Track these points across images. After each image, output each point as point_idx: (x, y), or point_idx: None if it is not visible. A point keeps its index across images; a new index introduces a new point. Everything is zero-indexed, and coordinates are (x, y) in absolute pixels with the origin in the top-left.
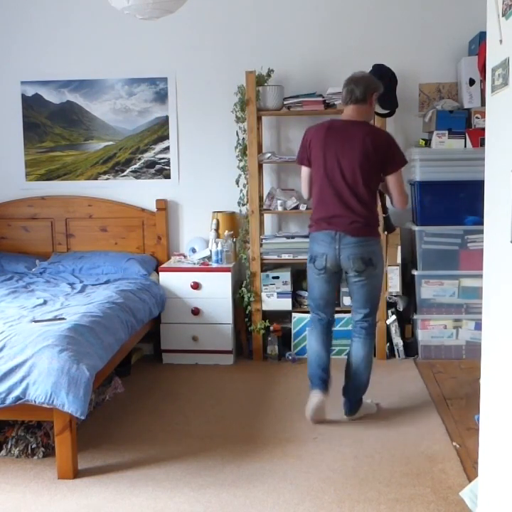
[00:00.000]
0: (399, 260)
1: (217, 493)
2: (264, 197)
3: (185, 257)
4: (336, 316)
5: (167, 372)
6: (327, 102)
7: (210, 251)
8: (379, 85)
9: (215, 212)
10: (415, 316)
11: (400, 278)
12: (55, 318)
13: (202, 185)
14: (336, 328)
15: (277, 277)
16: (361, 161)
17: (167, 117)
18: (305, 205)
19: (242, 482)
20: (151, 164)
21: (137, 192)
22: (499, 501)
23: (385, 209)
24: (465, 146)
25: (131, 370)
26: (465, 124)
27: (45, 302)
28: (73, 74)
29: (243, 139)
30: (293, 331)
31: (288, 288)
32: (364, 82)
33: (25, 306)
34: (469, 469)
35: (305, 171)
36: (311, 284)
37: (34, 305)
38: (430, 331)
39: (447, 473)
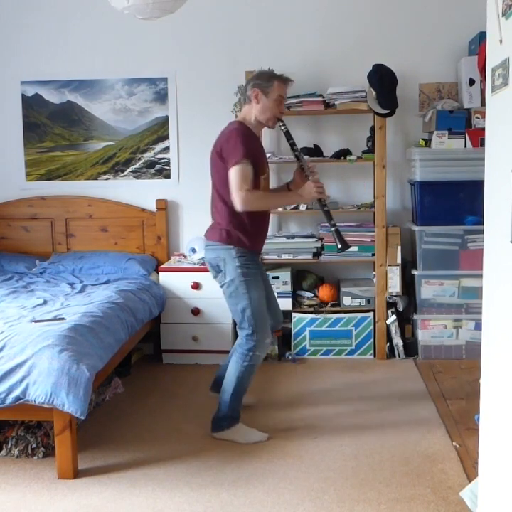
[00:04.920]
0: (399, 260)
1: (217, 493)
2: None
3: (185, 257)
4: (336, 315)
5: (167, 372)
6: (327, 102)
7: None
8: (263, 81)
9: None
10: (415, 316)
11: (400, 278)
12: (55, 318)
13: (202, 185)
14: (336, 327)
15: (277, 277)
16: (213, 162)
17: (167, 117)
18: (305, 205)
19: (242, 482)
20: (151, 164)
21: (137, 192)
22: (499, 501)
23: (329, 220)
24: (465, 146)
25: (131, 370)
26: (465, 124)
27: (45, 302)
28: (73, 74)
29: None
30: (293, 331)
31: (288, 288)
32: (248, 82)
33: (25, 306)
34: (469, 469)
35: None
36: None
37: (34, 305)
38: (430, 330)
39: (447, 473)
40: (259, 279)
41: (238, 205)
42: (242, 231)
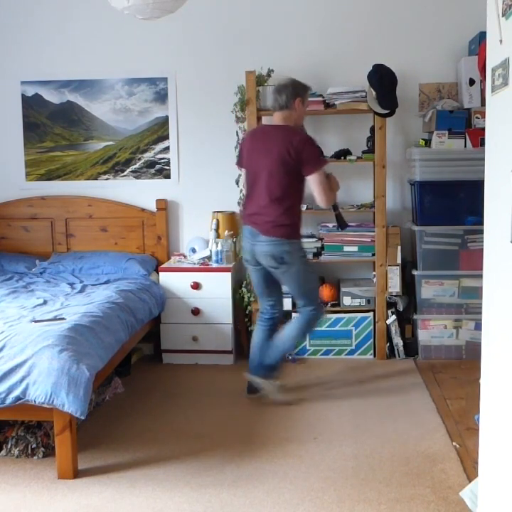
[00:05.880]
0: (399, 260)
1: (217, 493)
2: None
3: (185, 257)
4: (336, 315)
5: (167, 372)
6: (327, 102)
7: (210, 251)
8: (302, 91)
9: (215, 212)
10: (415, 316)
11: (400, 278)
12: (55, 318)
13: (202, 185)
14: (336, 327)
15: None
16: (277, 163)
17: (167, 117)
18: (305, 205)
19: (242, 482)
20: (151, 164)
21: (137, 192)
22: (499, 501)
23: (335, 207)
24: (465, 146)
25: (131, 370)
26: (465, 124)
27: (45, 302)
28: (73, 74)
29: (243, 138)
30: None
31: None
32: (286, 90)
33: (25, 306)
34: (469, 469)
35: (243, 172)
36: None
37: (34, 305)
38: (430, 330)
39: (447, 473)
40: None
41: (326, 203)
42: (297, 224)
